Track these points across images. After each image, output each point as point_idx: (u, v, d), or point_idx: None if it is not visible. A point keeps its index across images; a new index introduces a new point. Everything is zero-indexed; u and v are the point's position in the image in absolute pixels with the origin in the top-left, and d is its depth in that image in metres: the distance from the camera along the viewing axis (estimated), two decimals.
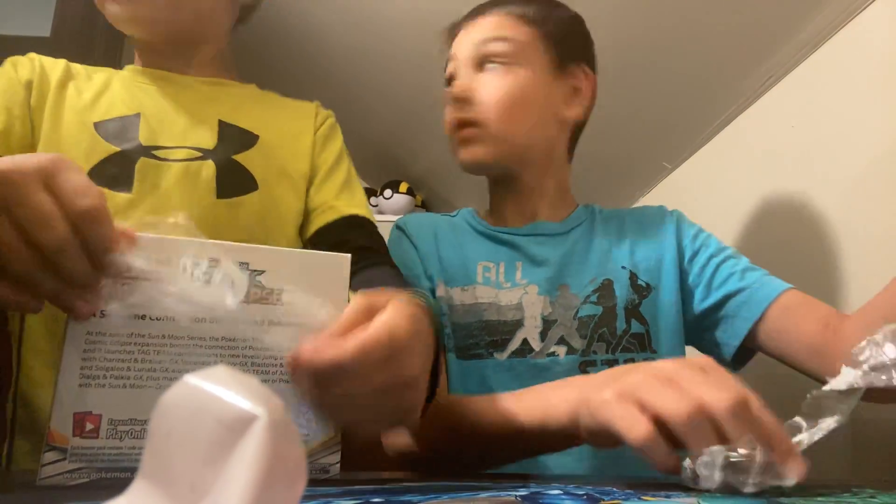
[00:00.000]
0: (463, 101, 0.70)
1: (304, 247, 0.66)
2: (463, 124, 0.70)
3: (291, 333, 0.40)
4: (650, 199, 1.31)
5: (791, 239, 0.86)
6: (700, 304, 0.71)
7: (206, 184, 0.61)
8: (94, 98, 0.64)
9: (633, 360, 0.67)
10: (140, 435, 0.35)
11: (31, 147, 0.60)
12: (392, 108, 1.77)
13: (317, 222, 0.67)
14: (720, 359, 0.70)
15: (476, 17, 0.74)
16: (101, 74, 0.68)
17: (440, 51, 0.79)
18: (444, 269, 0.71)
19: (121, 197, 0.58)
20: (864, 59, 0.77)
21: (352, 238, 0.65)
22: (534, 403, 0.48)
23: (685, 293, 0.72)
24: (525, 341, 0.67)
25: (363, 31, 1.48)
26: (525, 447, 0.51)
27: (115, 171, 0.59)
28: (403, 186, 2.07)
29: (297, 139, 0.71)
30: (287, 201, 0.66)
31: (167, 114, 0.65)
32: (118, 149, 0.60)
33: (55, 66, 0.65)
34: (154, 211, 0.59)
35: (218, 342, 0.38)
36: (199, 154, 0.63)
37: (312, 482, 0.37)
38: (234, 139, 0.66)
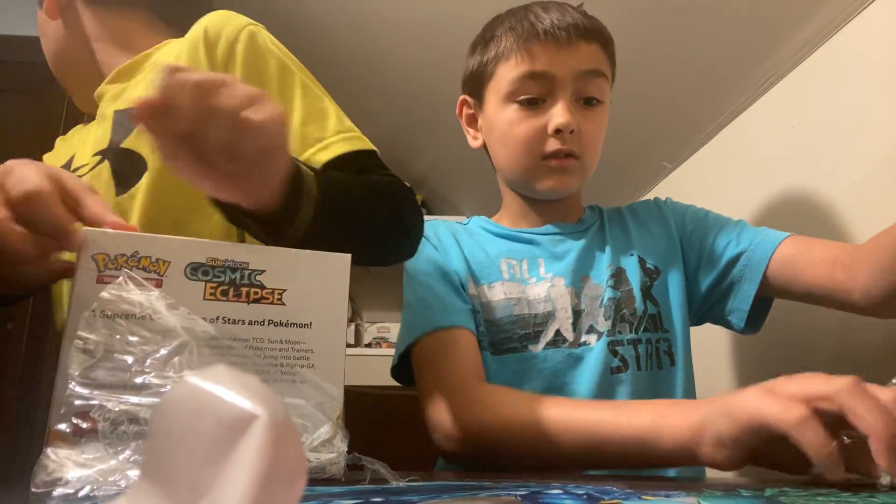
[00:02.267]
0: (572, 134, 0.70)
1: None
2: (568, 155, 0.70)
3: (292, 333, 0.40)
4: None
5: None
6: (705, 280, 0.73)
7: (105, 186, 0.58)
8: (60, 149, 0.72)
9: (651, 340, 0.69)
10: (140, 436, 0.35)
11: None
12: (392, 109, 1.77)
13: None
14: (733, 327, 0.72)
15: (574, 39, 0.70)
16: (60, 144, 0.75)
17: (503, 46, 0.73)
18: (471, 268, 0.72)
19: None
20: (864, 58, 0.77)
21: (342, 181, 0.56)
22: (643, 414, 0.49)
23: (690, 274, 0.74)
24: (558, 332, 0.68)
25: (364, 32, 1.48)
26: (617, 458, 0.51)
27: None
28: None
29: None
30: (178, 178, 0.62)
31: (86, 137, 0.67)
32: None
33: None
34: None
35: (218, 342, 0.38)
36: (99, 158, 0.61)
37: (312, 482, 0.37)
38: (121, 126, 0.61)
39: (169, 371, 0.35)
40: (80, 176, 0.61)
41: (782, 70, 0.91)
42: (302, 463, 0.19)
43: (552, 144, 0.70)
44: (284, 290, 0.41)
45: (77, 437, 0.34)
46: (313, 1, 1.43)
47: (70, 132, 0.76)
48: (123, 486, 0.32)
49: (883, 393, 0.37)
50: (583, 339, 0.68)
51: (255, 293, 0.40)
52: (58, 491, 0.31)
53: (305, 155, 0.57)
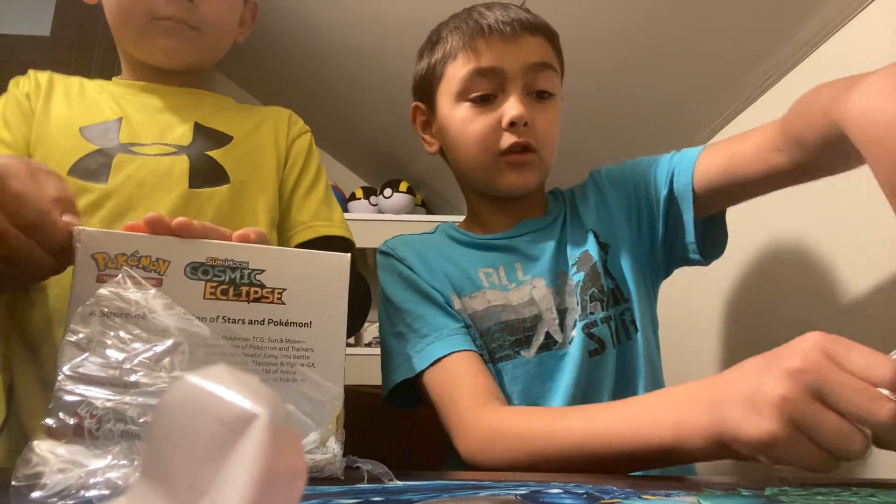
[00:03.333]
0: (526, 127, 0.69)
1: None
2: (525, 150, 0.70)
3: (292, 332, 0.40)
4: None
5: (792, 238, 0.86)
6: (658, 230, 0.72)
7: (179, 175, 0.66)
8: (83, 106, 0.71)
9: (617, 315, 0.69)
10: (126, 435, 0.35)
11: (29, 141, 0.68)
12: (392, 107, 1.77)
13: (295, 239, 0.73)
14: (695, 262, 0.72)
15: (520, 33, 0.70)
16: (92, 85, 0.75)
17: (450, 45, 0.73)
18: (451, 282, 0.71)
19: (97, 188, 0.65)
20: (863, 58, 0.77)
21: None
22: (663, 418, 0.46)
23: (644, 233, 0.73)
24: (548, 335, 0.68)
25: (363, 30, 1.48)
26: (640, 466, 0.49)
27: (94, 166, 0.65)
28: (403, 185, 2.07)
29: (269, 139, 0.76)
30: (258, 197, 0.71)
31: (147, 117, 0.71)
32: (97, 147, 0.66)
33: (43, 78, 0.73)
34: (128, 200, 0.65)
35: (216, 341, 0.38)
36: (174, 150, 0.68)
37: (312, 481, 0.37)
38: (208, 138, 0.71)
39: (160, 371, 0.35)
40: (140, 154, 0.67)
41: (782, 70, 0.91)
42: (302, 463, 0.19)
43: (507, 139, 0.69)
44: (284, 290, 0.41)
45: (63, 433, 0.33)
46: (312, 0, 1.43)
47: (98, 84, 0.76)
48: (105, 487, 0.31)
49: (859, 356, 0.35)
50: (571, 336, 0.68)
51: (255, 292, 0.40)
52: (36, 493, 0.30)
53: (312, 223, 0.74)
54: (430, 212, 2.17)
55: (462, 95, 0.71)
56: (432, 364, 0.64)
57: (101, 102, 0.72)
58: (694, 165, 0.67)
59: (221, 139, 0.72)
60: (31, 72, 0.74)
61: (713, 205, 0.69)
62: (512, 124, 0.68)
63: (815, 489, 0.36)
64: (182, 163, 0.67)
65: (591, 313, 0.68)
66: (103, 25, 0.77)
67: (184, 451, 0.19)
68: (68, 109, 0.70)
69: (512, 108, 0.68)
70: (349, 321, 0.64)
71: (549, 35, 0.73)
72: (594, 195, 0.77)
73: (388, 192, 2.08)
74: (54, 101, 0.71)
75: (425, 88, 0.77)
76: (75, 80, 0.75)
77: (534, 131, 0.70)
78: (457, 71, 0.71)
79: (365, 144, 2.04)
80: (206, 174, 0.68)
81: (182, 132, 0.71)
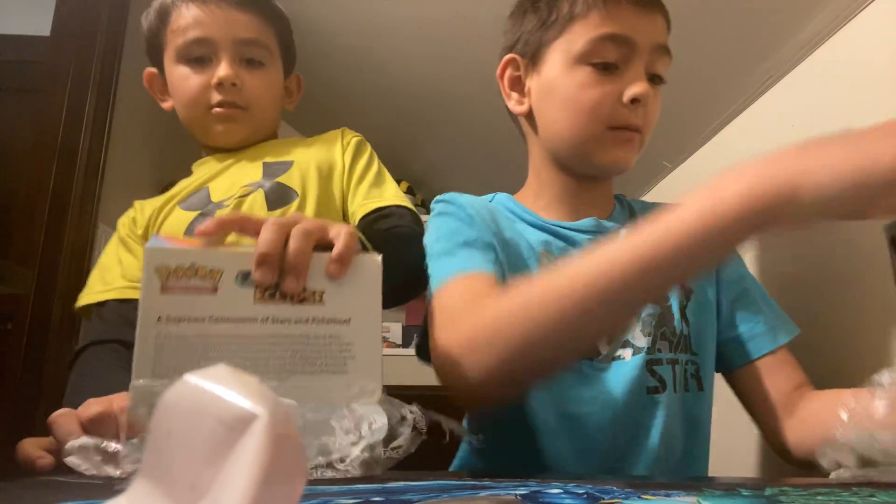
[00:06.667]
0: (643, 107, 0.65)
1: None
2: (635, 128, 0.66)
3: (334, 329, 0.44)
4: (650, 199, 1.31)
5: (790, 240, 0.86)
6: (726, 324, 0.71)
7: (259, 204, 0.81)
8: (177, 192, 0.86)
9: (682, 361, 0.66)
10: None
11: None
12: (392, 108, 1.77)
13: (356, 218, 0.82)
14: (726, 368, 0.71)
15: (654, 8, 0.66)
16: (180, 184, 0.89)
17: (581, 2, 0.66)
18: (508, 251, 0.66)
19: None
20: (864, 58, 0.77)
21: (381, 224, 0.80)
22: (691, 208, 0.44)
23: (725, 314, 0.71)
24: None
25: (363, 32, 1.48)
26: (672, 269, 0.44)
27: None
28: (403, 185, 2.08)
29: (326, 156, 0.88)
30: (320, 203, 0.83)
31: (226, 175, 0.86)
32: (198, 212, 0.81)
33: (147, 206, 0.86)
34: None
35: (268, 339, 0.43)
36: (252, 188, 0.83)
37: (312, 482, 0.37)
38: (276, 169, 0.86)
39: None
40: (227, 205, 0.80)
41: (782, 70, 0.91)
42: (302, 463, 0.19)
43: (623, 115, 0.65)
44: (324, 291, 0.44)
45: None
46: (313, 1, 1.43)
47: (184, 181, 0.90)
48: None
49: None
50: (617, 353, 0.64)
51: (299, 295, 0.44)
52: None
53: (364, 201, 0.83)
54: (429, 211, 2.17)
55: (583, 58, 0.65)
56: (453, 276, 0.58)
57: (188, 184, 0.86)
58: (769, 349, 0.67)
59: (285, 166, 0.85)
60: (136, 203, 0.88)
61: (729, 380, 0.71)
62: (634, 101, 0.64)
63: (816, 489, 0.36)
64: (259, 196, 0.81)
65: (659, 350, 0.65)
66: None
67: (184, 452, 0.19)
68: (172, 204, 0.85)
69: (639, 84, 0.63)
70: (408, 280, 0.68)
71: (669, 21, 0.69)
72: None
73: None
74: (161, 216, 0.85)
75: (532, 43, 0.70)
76: (167, 196, 0.89)
77: (645, 114, 0.66)
78: (586, 31, 0.65)
79: None
80: (278, 196, 0.82)
81: (255, 173, 0.85)
